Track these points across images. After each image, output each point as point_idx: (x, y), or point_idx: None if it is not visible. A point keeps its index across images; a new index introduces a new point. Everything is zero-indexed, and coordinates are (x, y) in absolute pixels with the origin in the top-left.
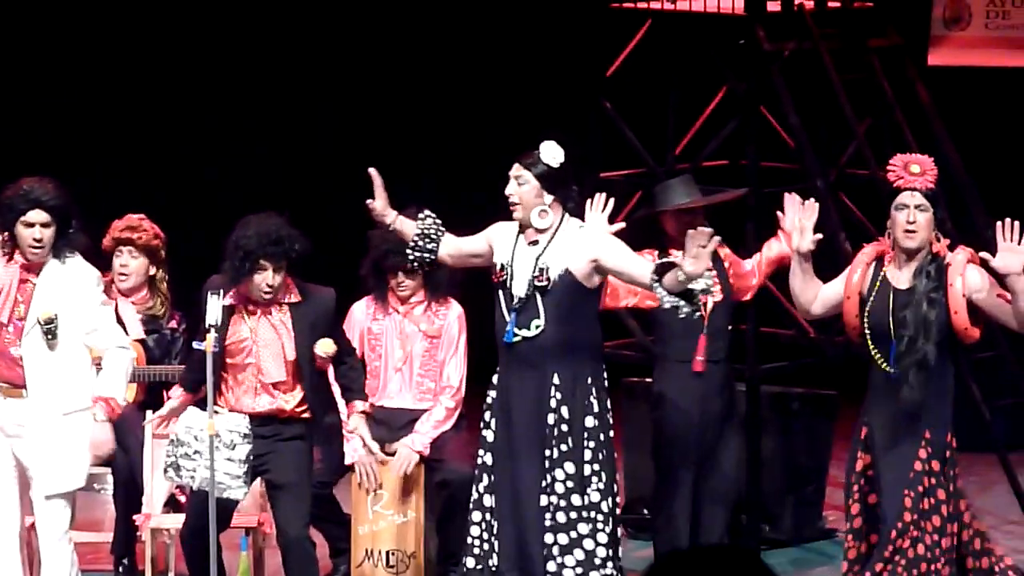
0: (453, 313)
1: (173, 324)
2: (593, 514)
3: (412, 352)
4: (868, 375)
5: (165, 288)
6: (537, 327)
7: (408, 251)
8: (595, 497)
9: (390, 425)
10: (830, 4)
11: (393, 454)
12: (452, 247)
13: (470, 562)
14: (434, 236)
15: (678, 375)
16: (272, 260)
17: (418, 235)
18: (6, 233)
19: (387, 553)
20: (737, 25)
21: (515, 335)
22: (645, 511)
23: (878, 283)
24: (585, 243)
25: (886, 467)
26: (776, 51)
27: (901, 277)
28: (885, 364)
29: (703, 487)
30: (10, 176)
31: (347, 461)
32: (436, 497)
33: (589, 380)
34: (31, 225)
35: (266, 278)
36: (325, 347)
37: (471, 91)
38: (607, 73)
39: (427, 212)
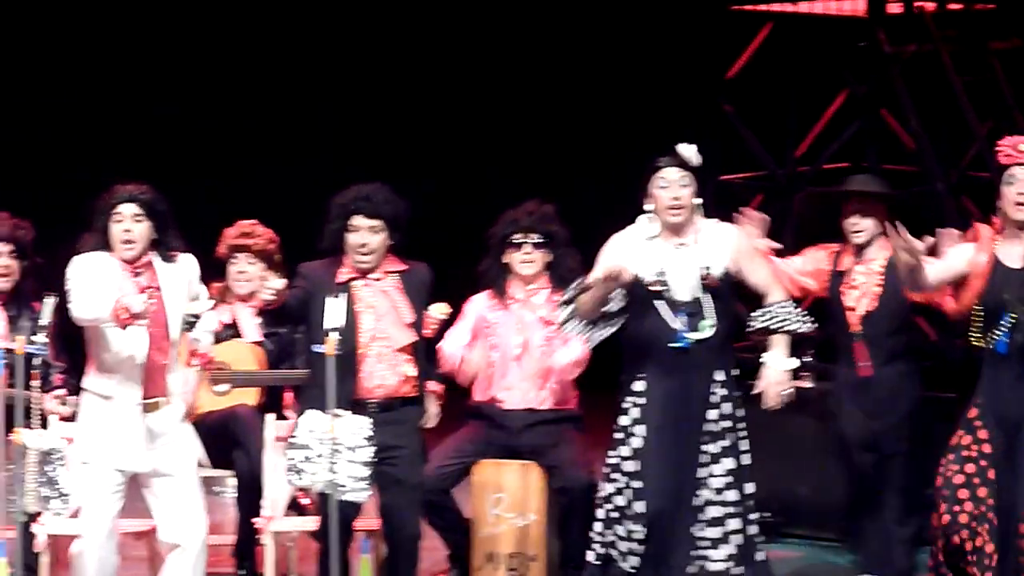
0: None
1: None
2: (746, 506)
3: (530, 342)
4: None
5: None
6: (711, 327)
7: (597, 322)
8: (749, 489)
9: (509, 428)
10: (951, 6)
11: (515, 456)
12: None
13: (626, 565)
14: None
15: (846, 380)
16: (365, 216)
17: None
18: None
19: (508, 556)
20: (858, 27)
21: (687, 338)
22: (767, 514)
23: (992, 261)
24: (728, 240)
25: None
26: (897, 53)
27: (1012, 254)
28: (994, 340)
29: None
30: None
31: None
32: (554, 502)
33: (734, 373)
34: (121, 220)
35: (359, 236)
36: (440, 309)
37: (591, 94)
38: (727, 76)
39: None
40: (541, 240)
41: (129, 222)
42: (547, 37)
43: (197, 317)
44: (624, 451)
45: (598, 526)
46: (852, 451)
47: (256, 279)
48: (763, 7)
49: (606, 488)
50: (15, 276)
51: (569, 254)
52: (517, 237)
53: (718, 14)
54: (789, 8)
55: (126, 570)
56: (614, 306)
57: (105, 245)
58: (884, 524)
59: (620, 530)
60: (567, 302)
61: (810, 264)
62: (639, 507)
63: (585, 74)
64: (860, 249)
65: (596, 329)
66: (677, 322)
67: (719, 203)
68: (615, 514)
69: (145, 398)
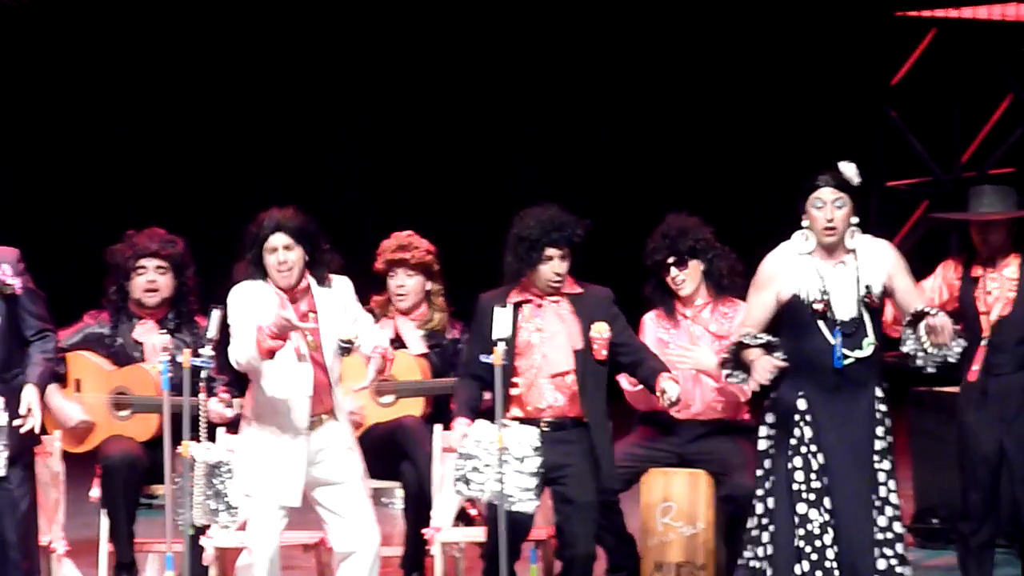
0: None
1: (454, 334)
2: (899, 519)
3: None
4: None
5: (441, 301)
6: (870, 345)
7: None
8: (898, 501)
9: (679, 437)
10: None
11: (684, 465)
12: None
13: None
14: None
15: (975, 386)
16: (557, 247)
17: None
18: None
19: (677, 565)
20: (1022, 32)
21: (846, 357)
22: (935, 520)
23: None
24: (883, 256)
25: None
26: None
27: None
28: None
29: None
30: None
31: None
32: (720, 511)
33: (886, 386)
34: (274, 250)
35: (553, 266)
36: (599, 329)
37: (757, 103)
38: (892, 82)
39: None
40: (687, 258)
41: (282, 252)
42: (716, 53)
43: (350, 343)
44: (800, 467)
45: (764, 538)
46: (976, 458)
47: (416, 292)
48: (927, 13)
49: (778, 505)
50: (164, 293)
51: (720, 256)
52: (668, 259)
53: (882, 21)
54: (953, 14)
55: None
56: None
57: (261, 273)
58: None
59: (806, 547)
60: (725, 363)
61: (940, 280)
62: (830, 522)
63: (751, 84)
64: (991, 257)
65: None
66: (837, 341)
67: (885, 209)
68: (801, 531)
69: (310, 416)
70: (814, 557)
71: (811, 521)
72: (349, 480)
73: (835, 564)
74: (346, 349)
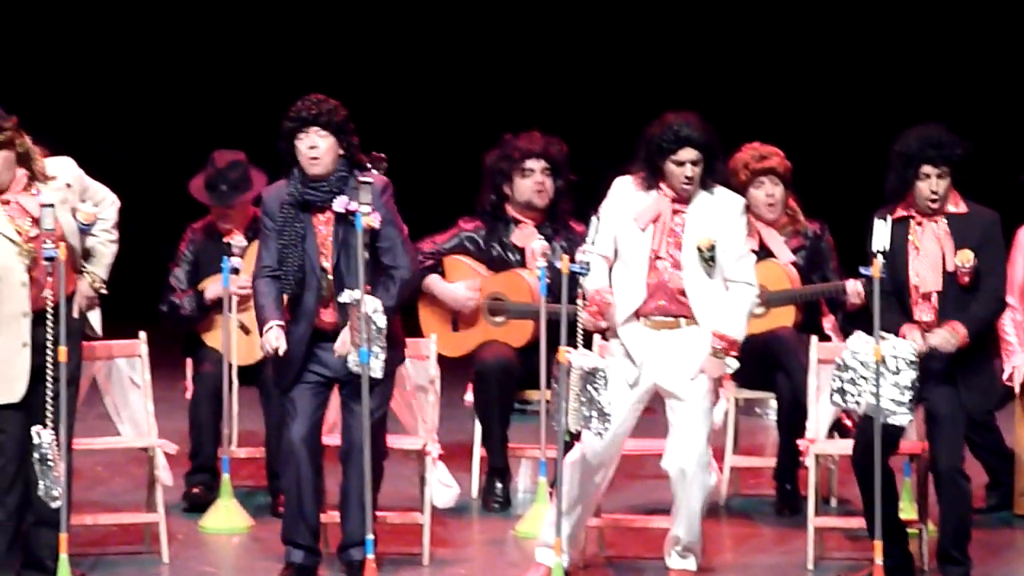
0: None
1: (815, 228)
2: None
3: None
4: None
5: (792, 204)
6: None
7: None
8: None
9: None
10: None
11: None
12: None
13: None
14: None
15: None
16: (934, 165)
17: None
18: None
19: None
20: None
21: None
22: None
23: None
24: None
25: None
26: None
27: None
28: None
29: None
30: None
31: None
32: None
33: None
34: (681, 164)
35: (930, 184)
36: (964, 258)
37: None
38: None
39: None
40: None
41: (689, 167)
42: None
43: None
44: None
45: None
46: None
47: (782, 203)
48: None
49: None
50: (550, 192)
51: None
52: None
53: None
54: None
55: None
56: None
57: (654, 179)
58: None
59: None
60: None
61: None
62: None
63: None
64: None
65: None
66: None
67: None
68: None
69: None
70: None
71: None
72: (691, 397)
73: None
74: (708, 257)
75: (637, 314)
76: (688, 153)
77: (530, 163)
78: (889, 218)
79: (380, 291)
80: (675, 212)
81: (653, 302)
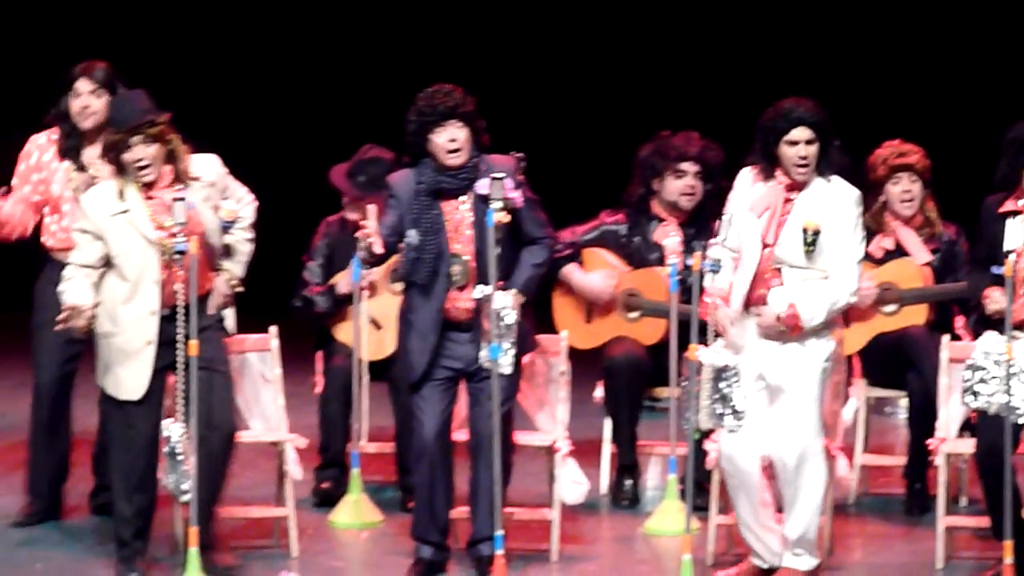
0: None
1: (951, 233)
2: None
3: None
4: None
5: (930, 205)
6: None
7: None
8: None
9: None
10: None
11: None
12: None
13: None
14: None
15: None
16: None
17: None
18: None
19: None
20: None
21: None
22: None
23: None
24: None
25: None
26: None
27: None
28: None
29: None
30: None
31: None
32: None
33: None
34: (795, 143)
35: None
36: None
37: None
38: None
39: None
40: None
41: (803, 147)
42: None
43: (817, 234)
44: None
45: None
46: None
47: (919, 200)
48: None
49: None
50: (699, 196)
51: None
52: None
53: None
54: None
55: None
56: None
57: (771, 167)
58: None
59: None
60: None
61: None
62: None
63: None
64: None
65: None
66: None
67: None
68: None
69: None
70: None
71: None
72: (795, 389)
73: None
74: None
75: (747, 304)
76: (801, 132)
77: (684, 165)
78: (1021, 217)
79: (526, 255)
80: (786, 200)
81: (759, 291)
